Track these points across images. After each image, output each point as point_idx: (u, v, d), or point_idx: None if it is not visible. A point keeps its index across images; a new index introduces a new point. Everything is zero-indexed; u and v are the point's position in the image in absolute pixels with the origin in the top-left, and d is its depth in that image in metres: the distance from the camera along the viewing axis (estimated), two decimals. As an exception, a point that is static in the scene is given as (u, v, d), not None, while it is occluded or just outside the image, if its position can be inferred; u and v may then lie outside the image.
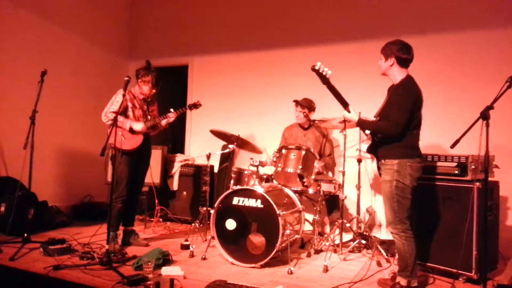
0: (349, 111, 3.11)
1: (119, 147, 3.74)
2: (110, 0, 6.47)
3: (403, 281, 2.89)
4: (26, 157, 3.89)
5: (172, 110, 4.10)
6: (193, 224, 4.50)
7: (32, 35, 5.19)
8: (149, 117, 4.07)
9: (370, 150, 3.10)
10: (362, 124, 3.11)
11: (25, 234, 3.83)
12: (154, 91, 4.06)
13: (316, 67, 3.03)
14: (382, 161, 2.96)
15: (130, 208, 4.11)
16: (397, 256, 3.10)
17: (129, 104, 3.98)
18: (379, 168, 3.05)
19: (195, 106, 4.28)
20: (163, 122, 4.09)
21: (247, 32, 5.86)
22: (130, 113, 3.98)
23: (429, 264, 3.36)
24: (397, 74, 2.98)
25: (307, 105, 4.63)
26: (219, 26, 6.08)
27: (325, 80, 3.09)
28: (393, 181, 2.86)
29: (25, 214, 4.30)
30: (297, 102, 4.65)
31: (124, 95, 3.61)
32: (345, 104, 3.12)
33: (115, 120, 3.52)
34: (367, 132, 3.07)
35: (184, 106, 4.26)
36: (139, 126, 3.94)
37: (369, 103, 3.99)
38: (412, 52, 2.96)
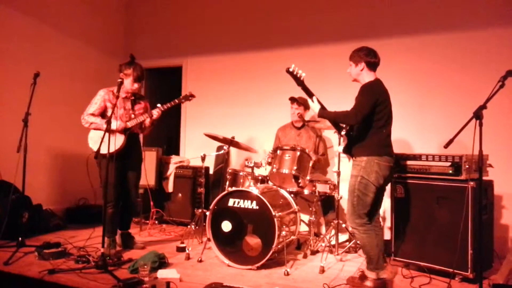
0: (313, 101, 3.25)
1: (98, 151, 3.65)
2: (104, 3, 6.43)
3: (371, 274, 3.00)
4: (19, 160, 3.86)
5: (159, 105, 3.89)
6: (188, 226, 4.49)
7: (27, 38, 5.15)
8: (132, 116, 3.88)
9: (345, 150, 3.21)
10: (322, 114, 3.22)
11: (20, 238, 3.80)
12: (136, 85, 3.86)
13: (291, 69, 3.18)
14: (353, 158, 3.10)
15: (124, 212, 4.03)
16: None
17: (108, 104, 3.82)
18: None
19: (187, 98, 3.98)
20: (147, 120, 3.90)
21: (241, 33, 5.85)
22: (109, 113, 3.74)
23: (425, 263, 3.36)
24: (366, 78, 3.11)
25: (303, 103, 4.64)
26: (213, 27, 6.07)
27: (299, 82, 3.23)
28: (358, 176, 2.99)
29: (19, 217, 4.28)
30: (294, 99, 4.66)
31: (117, 97, 3.57)
32: (310, 95, 3.26)
33: (108, 122, 3.40)
34: (343, 133, 3.21)
35: (177, 105, 4.07)
36: (114, 125, 3.69)
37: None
38: (378, 56, 3.12)
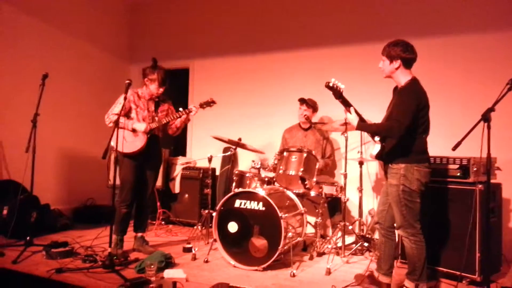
0: (350, 112, 3.02)
1: (120, 150, 3.73)
2: (111, 4, 6.48)
3: (410, 284, 2.89)
4: (28, 160, 3.89)
5: (181, 109, 3.91)
6: (195, 227, 4.50)
7: (34, 40, 5.21)
8: (156, 118, 3.91)
9: (379, 156, 3.02)
10: (362, 127, 3.04)
11: (28, 237, 3.83)
12: (161, 89, 3.90)
13: (331, 84, 2.95)
14: (389, 165, 2.92)
15: (138, 213, 4.04)
16: (376, 256, 3.16)
17: (133, 106, 3.86)
18: (386, 172, 3.02)
19: (208, 104, 3.98)
20: (177, 121, 3.95)
21: (247, 35, 5.87)
22: (133, 114, 3.85)
23: (432, 266, 3.34)
24: (402, 77, 2.90)
25: (312, 105, 4.64)
26: (220, 29, 6.09)
27: (338, 95, 3.01)
28: (400, 185, 2.82)
29: (27, 217, 4.31)
30: (303, 101, 4.65)
31: (125, 98, 3.59)
32: (348, 106, 3.04)
33: (116, 122, 3.47)
34: (377, 139, 3.00)
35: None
36: (141, 126, 3.78)
37: (370, 106, 4.00)
38: (415, 51, 2.89)
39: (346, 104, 3.05)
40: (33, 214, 4.41)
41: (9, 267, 3.32)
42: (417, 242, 2.85)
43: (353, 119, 3.00)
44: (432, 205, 3.35)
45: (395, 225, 3.00)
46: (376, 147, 3.01)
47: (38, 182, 4.07)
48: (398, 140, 2.86)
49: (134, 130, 3.80)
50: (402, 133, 2.77)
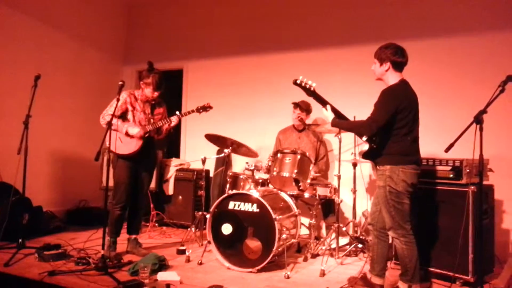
0: (326, 110, 3.12)
1: (114, 151, 3.71)
2: (106, 5, 6.46)
3: (403, 286, 2.90)
4: (20, 162, 3.86)
5: (177, 113, 3.95)
6: (189, 229, 4.49)
7: (28, 40, 5.17)
8: (151, 120, 3.91)
9: (366, 156, 3.07)
10: (336, 124, 3.10)
11: (20, 240, 3.80)
12: (156, 93, 3.87)
13: (298, 81, 3.03)
14: (377, 167, 2.96)
15: (132, 215, 4.02)
16: (369, 257, 3.16)
17: (129, 107, 3.83)
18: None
19: (205, 108, 4.03)
20: (165, 126, 3.95)
21: (242, 36, 5.87)
22: (130, 116, 3.83)
23: (426, 267, 3.36)
24: (391, 79, 2.93)
25: (306, 108, 4.65)
26: (214, 31, 6.09)
27: (309, 92, 3.09)
28: (386, 186, 2.85)
29: (19, 219, 4.26)
30: (297, 105, 4.66)
31: (118, 99, 3.58)
32: (324, 103, 3.14)
33: (109, 123, 3.45)
34: (364, 138, 3.01)
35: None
36: (134, 131, 3.76)
37: (366, 108, 4.00)
38: (406, 55, 2.92)
39: (321, 102, 3.13)
40: (25, 216, 4.37)
41: (1, 270, 3.29)
42: (407, 243, 2.86)
43: (329, 116, 3.09)
44: (424, 206, 3.38)
45: None
46: (365, 146, 3.05)
47: (30, 184, 4.05)
48: (381, 140, 2.90)
49: (128, 134, 3.78)
50: (374, 131, 2.82)
